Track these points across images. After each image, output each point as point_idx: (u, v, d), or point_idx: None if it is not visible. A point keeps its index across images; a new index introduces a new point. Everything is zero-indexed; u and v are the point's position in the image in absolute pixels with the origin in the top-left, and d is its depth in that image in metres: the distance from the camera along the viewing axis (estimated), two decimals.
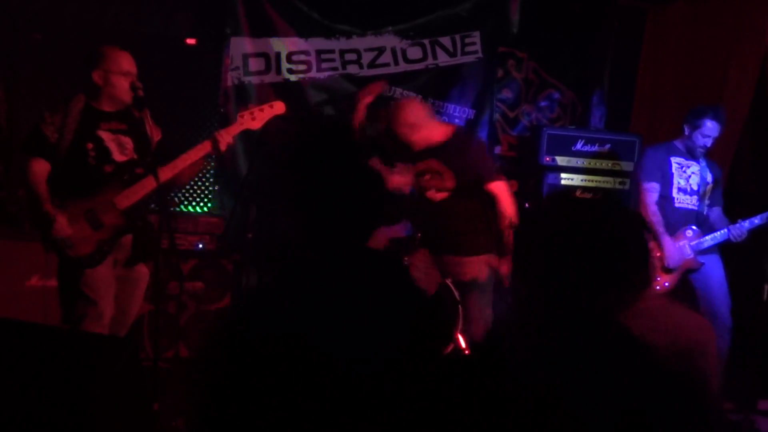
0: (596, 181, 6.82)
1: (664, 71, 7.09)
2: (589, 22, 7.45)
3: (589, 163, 6.79)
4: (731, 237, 5.40)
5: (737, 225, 5.39)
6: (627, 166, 6.78)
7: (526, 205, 6.61)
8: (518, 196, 6.50)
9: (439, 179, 5.03)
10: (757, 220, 5.36)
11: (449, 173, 5.01)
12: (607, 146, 6.79)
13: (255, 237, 5.55)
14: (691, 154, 5.62)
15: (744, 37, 6.41)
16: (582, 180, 6.78)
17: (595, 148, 6.79)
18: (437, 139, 5.08)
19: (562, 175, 6.79)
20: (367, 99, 5.56)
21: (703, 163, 5.63)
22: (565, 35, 7.42)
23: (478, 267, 5.05)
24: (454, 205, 5.04)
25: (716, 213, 5.67)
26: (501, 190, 5.06)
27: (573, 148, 6.78)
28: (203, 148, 4.34)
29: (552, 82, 7.52)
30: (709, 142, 5.52)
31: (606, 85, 7.60)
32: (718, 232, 5.46)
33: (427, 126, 5.07)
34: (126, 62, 4.27)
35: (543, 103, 7.50)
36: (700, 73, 6.76)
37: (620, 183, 6.80)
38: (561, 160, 6.77)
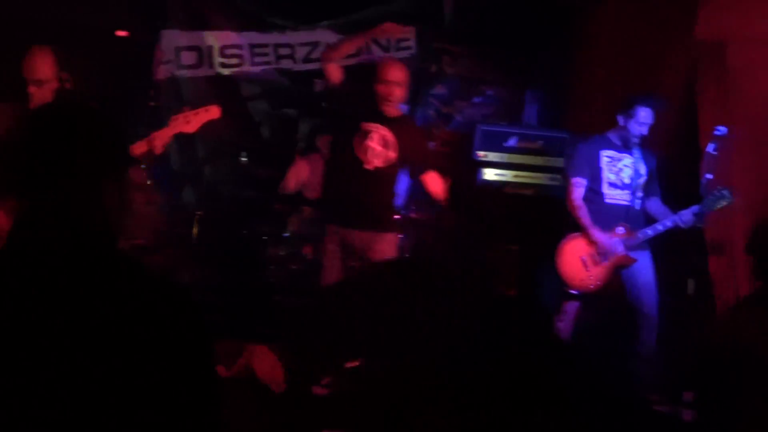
0: (528, 177, 6.86)
1: (598, 68, 7.15)
2: (524, 19, 7.50)
3: (522, 159, 6.84)
4: (680, 223, 5.34)
5: (684, 211, 5.35)
6: (558, 162, 6.83)
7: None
8: (451, 191, 6.55)
9: (385, 148, 5.03)
10: (695, 209, 5.32)
11: (395, 145, 5.04)
12: (540, 143, 6.84)
13: (189, 232, 5.54)
14: (625, 145, 5.59)
15: (674, 33, 6.49)
16: (514, 176, 6.83)
17: (529, 144, 6.84)
18: (397, 112, 5.16)
19: (495, 171, 6.83)
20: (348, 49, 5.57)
21: (637, 155, 5.60)
22: (500, 32, 7.46)
23: (389, 246, 5.11)
24: (384, 178, 5.09)
25: (655, 204, 5.64)
26: (434, 180, 5.24)
27: (506, 145, 6.82)
28: (138, 149, 4.27)
29: (486, 78, 7.57)
30: (645, 130, 5.50)
31: (540, 81, 7.66)
32: (651, 227, 5.44)
33: (403, 91, 5.12)
34: (41, 70, 4.20)
35: (477, 100, 7.54)
36: (632, 70, 6.82)
37: (552, 179, 6.85)
38: (494, 156, 6.81)
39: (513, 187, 6.84)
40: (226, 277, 5.97)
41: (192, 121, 4.46)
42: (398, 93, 5.07)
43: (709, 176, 5.20)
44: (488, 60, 7.56)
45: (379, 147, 5.02)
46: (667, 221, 5.38)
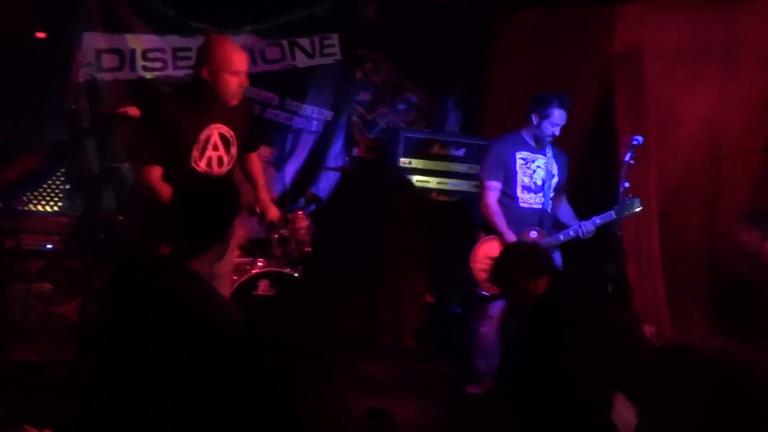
0: (452, 185, 6.93)
1: (515, 76, 7.26)
2: (445, 27, 7.58)
3: (445, 166, 6.90)
4: (580, 234, 5.36)
5: (586, 222, 5.38)
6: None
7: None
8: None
9: (225, 148, 4.42)
10: (599, 220, 5.37)
11: (235, 141, 4.46)
12: (462, 150, 6.91)
13: (106, 237, 5.45)
14: (538, 144, 5.58)
15: (590, 44, 6.64)
16: (438, 182, 6.90)
17: (451, 152, 6.90)
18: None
19: (418, 178, 6.89)
20: None
21: (550, 154, 5.60)
22: (422, 40, 7.54)
23: None
24: (232, 179, 4.39)
25: (564, 208, 5.66)
26: (257, 161, 4.85)
27: (429, 151, 6.88)
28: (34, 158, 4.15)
29: (409, 86, 7.63)
30: (557, 131, 5.50)
31: (461, 89, 7.75)
32: (563, 233, 5.44)
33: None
34: None
35: (400, 106, 7.59)
36: (549, 79, 6.95)
37: (475, 186, 6.92)
38: (417, 163, 6.86)
39: (436, 194, 6.91)
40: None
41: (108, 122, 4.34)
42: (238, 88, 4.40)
43: (626, 184, 5.28)
44: (411, 67, 7.62)
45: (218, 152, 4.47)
46: (575, 228, 5.40)
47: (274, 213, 4.88)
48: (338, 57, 7.19)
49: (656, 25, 6.22)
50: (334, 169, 7.20)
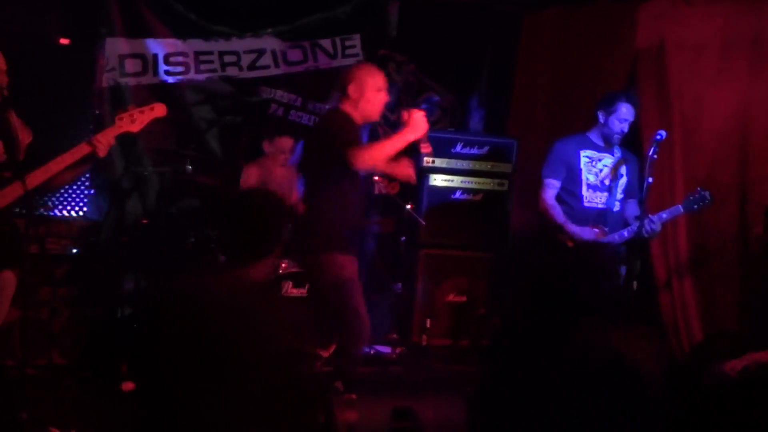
0: (475, 183, 6.91)
1: (540, 75, 7.24)
2: (468, 26, 7.56)
3: (469, 165, 6.88)
4: (644, 231, 5.17)
5: (653, 216, 5.21)
6: (505, 167, 6.91)
7: (409, 206, 6.67)
8: (400, 196, 6.60)
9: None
10: (665, 215, 5.24)
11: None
12: (486, 149, 6.89)
13: (130, 240, 5.50)
14: (607, 144, 5.48)
15: (614, 43, 6.62)
16: (462, 182, 6.88)
17: (475, 151, 6.88)
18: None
19: (442, 177, 6.87)
20: None
21: (618, 154, 5.50)
22: (444, 39, 7.53)
23: None
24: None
25: (631, 207, 5.52)
26: None
27: (452, 151, 6.86)
28: (79, 152, 4.15)
29: (431, 85, 7.62)
30: (626, 128, 5.42)
31: (484, 88, 7.72)
32: (626, 230, 5.34)
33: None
34: None
35: (423, 106, 7.54)
36: (573, 76, 6.94)
37: (499, 184, 6.91)
38: (441, 162, 6.85)
39: (460, 193, 6.90)
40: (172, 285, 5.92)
41: (137, 120, 4.35)
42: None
43: (650, 179, 5.20)
44: (433, 67, 7.60)
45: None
46: (639, 225, 5.19)
47: None
48: (360, 58, 7.19)
49: (679, 20, 6.20)
50: None
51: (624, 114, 5.39)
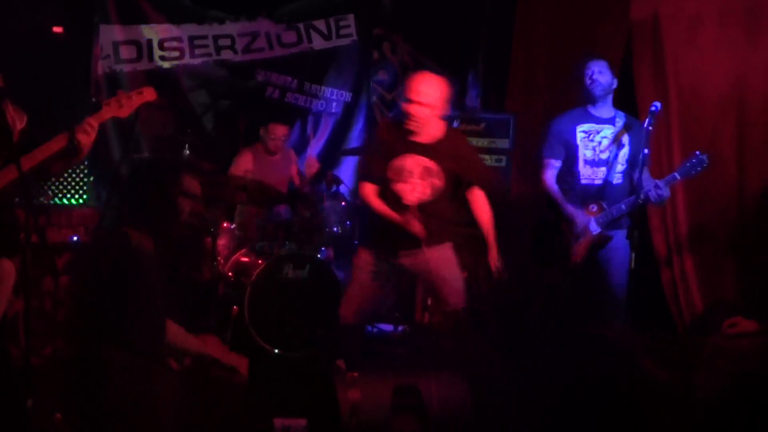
0: None
1: (536, 49, 7.21)
2: (463, 3, 7.54)
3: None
4: (651, 197, 5.04)
5: (658, 183, 5.07)
6: (502, 143, 6.91)
7: None
8: None
9: (426, 179, 4.69)
10: (662, 184, 5.07)
11: (439, 172, 4.69)
12: (483, 125, 6.89)
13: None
14: (606, 113, 5.36)
15: (608, 14, 6.59)
16: None
17: (471, 128, 6.87)
18: (438, 134, 4.72)
19: None
20: None
21: (620, 123, 5.35)
22: (439, 17, 7.50)
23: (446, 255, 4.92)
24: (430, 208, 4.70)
25: (644, 177, 5.20)
26: (480, 199, 4.93)
27: None
28: (63, 139, 4.14)
29: (427, 64, 7.59)
30: (601, 78, 5.32)
31: (480, 65, 7.71)
32: (625, 202, 5.15)
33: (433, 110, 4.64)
34: None
35: None
36: (569, 49, 6.89)
37: (497, 160, 6.91)
38: None
39: None
40: (173, 270, 5.96)
41: (125, 105, 4.27)
42: (425, 113, 4.58)
43: (646, 151, 5.15)
44: (429, 45, 7.58)
45: (418, 182, 4.68)
46: (636, 196, 5.07)
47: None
48: (354, 38, 7.20)
49: None
50: (352, 152, 7.17)
51: (592, 68, 5.34)
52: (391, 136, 4.71)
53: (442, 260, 4.82)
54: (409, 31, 7.51)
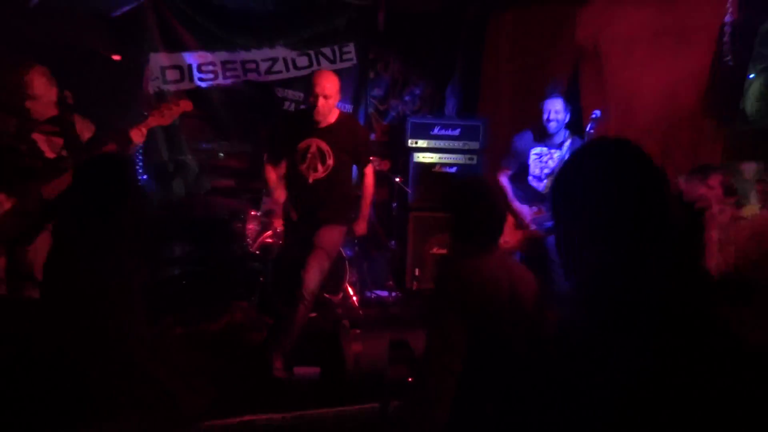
0: (451, 158, 6.90)
1: (502, 66, 7.19)
2: (443, 28, 7.51)
3: (445, 144, 6.86)
4: None
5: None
6: (474, 145, 6.90)
7: (397, 179, 6.68)
8: (391, 171, 6.57)
9: (321, 160, 4.61)
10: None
11: (331, 152, 4.60)
12: (458, 130, 6.87)
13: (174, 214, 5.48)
14: (550, 141, 5.32)
15: (560, 37, 6.56)
16: (440, 158, 6.87)
17: (449, 132, 6.86)
18: (332, 119, 4.64)
19: (424, 155, 6.86)
20: None
21: (566, 148, 5.29)
22: (423, 40, 7.48)
23: (335, 235, 4.71)
24: (325, 185, 4.62)
25: None
26: (368, 175, 4.84)
27: (431, 132, 6.85)
28: (118, 137, 4.14)
29: (414, 80, 7.57)
30: (559, 118, 5.24)
31: (458, 79, 7.67)
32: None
33: (329, 100, 4.54)
34: (39, 86, 4.04)
35: (407, 98, 7.54)
36: (529, 67, 6.88)
37: (469, 159, 6.90)
38: (422, 143, 6.83)
39: (439, 167, 6.88)
40: (211, 249, 5.95)
41: (166, 115, 4.31)
42: (324, 103, 4.49)
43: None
44: (414, 65, 7.55)
45: (315, 161, 4.60)
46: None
47: (360, 228, 4.91)
48: (355, 61, 7.16)
49: (611, 19, 6.12)
50: None
51: (547, 107, 5.26)
52: (295, 124, 4.64)
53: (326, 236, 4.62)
54: (398, 52, 7.47)
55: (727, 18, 5.18)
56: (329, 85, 4.51)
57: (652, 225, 1.56)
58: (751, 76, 5.66)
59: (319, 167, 4.61)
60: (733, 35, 5.16)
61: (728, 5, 5.21)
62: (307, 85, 6.86)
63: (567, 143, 5.34)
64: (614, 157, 1.63)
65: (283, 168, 4.74)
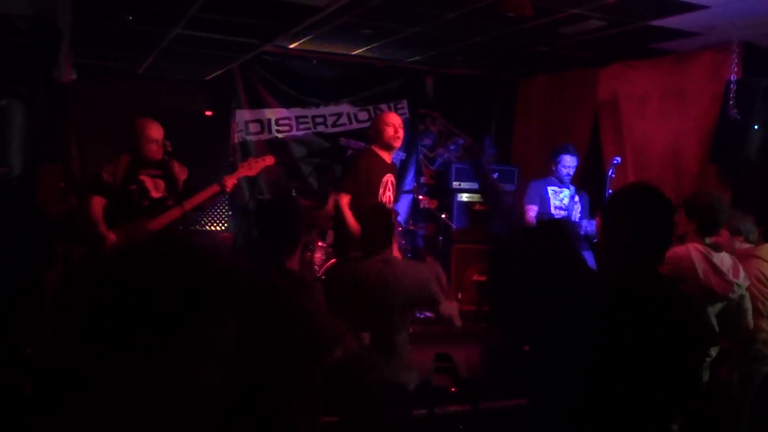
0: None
1: (532, 121, 7.26)
2: (482, 90, 7.60)
3: (484, 186, 6.91)
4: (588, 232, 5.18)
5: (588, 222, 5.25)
6: (510, 187, 6.93)
7: (443, 215, 6.69)
8: (438, 209, 6.62)
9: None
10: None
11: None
12: (496, 174, 6.89)
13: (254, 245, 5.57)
14: (561, 182, 5.46)
15: (582, 95, 6.59)
16: (479, 197, 6.92)
17: (489, 177, 6.90)
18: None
19: (466, 195, 6.93)
20: None
21: (573, 189, 5.48)
22: (465, 99, 7.57)
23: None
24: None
25: (591, 225, 5.32)
26: None
27: (472, 176, 6.90)
28: (214, 189, 4.27)
29: (457, 132, 7.65)
30: (571, 171, 5.39)
31: (494, 132, 7.74)
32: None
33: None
34: (154, 131, 4.23)
35: (451, 147, 7.61)
36: (556, 121, 6.92)
37: (506, 199, 6.88)
38: (465, 185, 6.91)
39: (480, 205, 6.91)
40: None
41: (253, 167, 4.47)
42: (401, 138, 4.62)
43: (610, 191, 5.16)
44: (458, 119, 7.63)
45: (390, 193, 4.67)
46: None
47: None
48: (407, 116, 7.27)
49: (627, 79, 6.20)
50: (408, 192, 7.22)
51: (567, 162, 5.36)
52: (374, 161, 4.55)
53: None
54: (443, 109, 7.58)
55: (732, 77, 5.14)
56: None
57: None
58: (756, 127, 5.58)
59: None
60: (738, 92, 5.11)
61: (733, 66, 5.17)
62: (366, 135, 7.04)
63: (571, 186, 5.49)
64: (651, 195, 2.07)
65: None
